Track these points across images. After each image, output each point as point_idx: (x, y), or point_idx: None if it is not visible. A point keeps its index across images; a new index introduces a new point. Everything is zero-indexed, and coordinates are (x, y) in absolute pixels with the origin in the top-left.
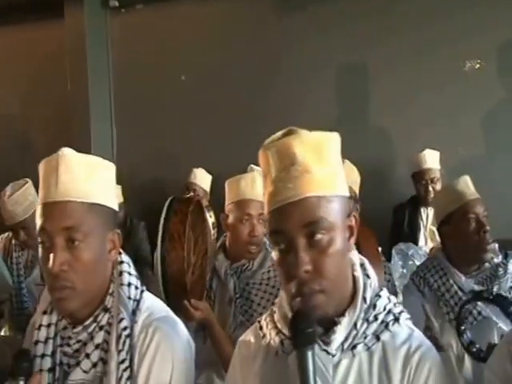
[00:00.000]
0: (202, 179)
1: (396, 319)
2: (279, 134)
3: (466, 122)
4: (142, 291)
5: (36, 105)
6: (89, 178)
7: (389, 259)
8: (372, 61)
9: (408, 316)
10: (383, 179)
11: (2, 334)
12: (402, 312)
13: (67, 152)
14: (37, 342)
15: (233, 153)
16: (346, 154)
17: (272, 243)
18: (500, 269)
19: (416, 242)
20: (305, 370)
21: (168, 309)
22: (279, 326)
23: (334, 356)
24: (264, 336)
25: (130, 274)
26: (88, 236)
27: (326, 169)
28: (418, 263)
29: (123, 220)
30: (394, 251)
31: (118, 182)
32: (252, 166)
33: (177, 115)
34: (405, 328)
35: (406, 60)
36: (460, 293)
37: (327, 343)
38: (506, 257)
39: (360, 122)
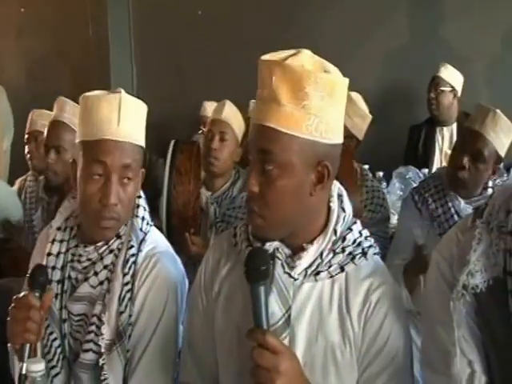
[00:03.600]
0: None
1: (364, 253)
2: (286, 52)
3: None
4: (151, 225)
5: (61, 50)
6: (139, 122)
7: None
8: None
9: (377, 251)
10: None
11: None
12: (371, 246)
13: (127, 96)
14: (49, 254)
15: (250, 87)
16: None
17: None
18: None
19: (430, 165)
20: (257, 304)
21: (169, 245)
22: (251, 238)
23: (296, 280)
24: (236, 244)
25: (144, 208)
26: (136, 174)
27: (297, 106)
28: None
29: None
30: (393, 174)
31: None
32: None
33: (194, 50)
34: (371, 262)
35: None
36: (456, 217)
37: (292, 267)
38: None
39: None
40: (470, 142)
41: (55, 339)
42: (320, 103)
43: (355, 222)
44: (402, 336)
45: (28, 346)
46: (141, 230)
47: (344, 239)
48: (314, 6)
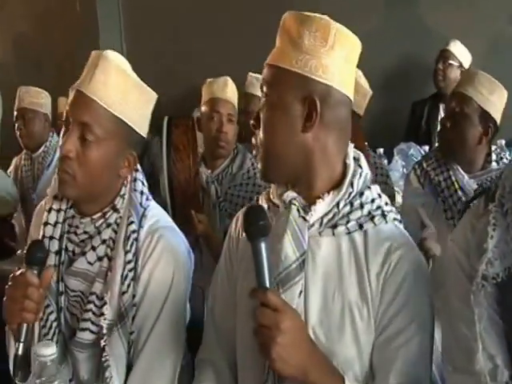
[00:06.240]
0: None
1: (383, 215)
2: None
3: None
4: (151, 200)
5: (46, 24)
6: (118, 89)
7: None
8: None
9: (398, 217)
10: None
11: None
12: (391, 211)
13: (111, 56)
14: (46, 224)
15: (246, 54)
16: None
17: None
18: None
19: (433, 142)
20: (258, 261)
21: (171, 220)
22: (271, 197)
23: (312, 226)
24: None
25: (143, 183)
26: (100, 140)
27: (290, 44)
28: None
29: None
30: (395, 151)
31: None
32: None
33: (187, 15)
34: (391, 226)
35: None
36: (460, 192)
37: (307, 212)
38: None
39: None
40: (450, 103)
41: (51, 312)
42: (313, 42)
43: (374, 184)
44: (422, 299)
45: (25, 326)
46: (140, 204)
47: (362, 194)
48: None
